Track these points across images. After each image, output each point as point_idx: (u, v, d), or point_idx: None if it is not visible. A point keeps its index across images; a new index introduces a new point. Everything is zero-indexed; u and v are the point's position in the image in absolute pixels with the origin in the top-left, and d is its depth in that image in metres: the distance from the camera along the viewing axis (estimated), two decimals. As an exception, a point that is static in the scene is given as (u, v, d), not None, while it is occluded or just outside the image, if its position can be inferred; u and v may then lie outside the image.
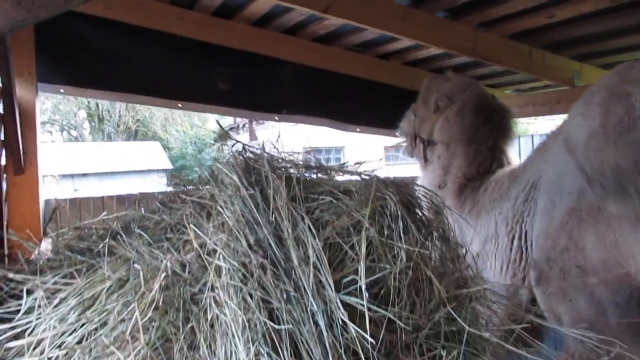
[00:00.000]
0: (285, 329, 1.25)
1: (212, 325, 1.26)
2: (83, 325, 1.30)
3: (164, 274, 1.28)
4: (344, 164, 1.88)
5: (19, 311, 1.42)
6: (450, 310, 1.49)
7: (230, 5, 3.70)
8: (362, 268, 1.38)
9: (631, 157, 1.74)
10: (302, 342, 1.26)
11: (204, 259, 1.35)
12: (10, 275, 1.48)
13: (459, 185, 3.12)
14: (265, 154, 1.71)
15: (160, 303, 1.25)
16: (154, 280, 1.27)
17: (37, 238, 1.82)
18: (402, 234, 1.54)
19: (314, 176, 1.77)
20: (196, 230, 1.40)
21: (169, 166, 23.31)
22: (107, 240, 1.47)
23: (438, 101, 3.28)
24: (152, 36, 3.67)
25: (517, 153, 5.49)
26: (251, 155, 1.73)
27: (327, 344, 1.26)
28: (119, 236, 1.54)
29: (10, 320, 1.40)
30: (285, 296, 1.30)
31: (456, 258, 1.77)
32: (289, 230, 1.41)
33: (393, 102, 4.23)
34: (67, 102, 26.58)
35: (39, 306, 1.38)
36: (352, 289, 1.37)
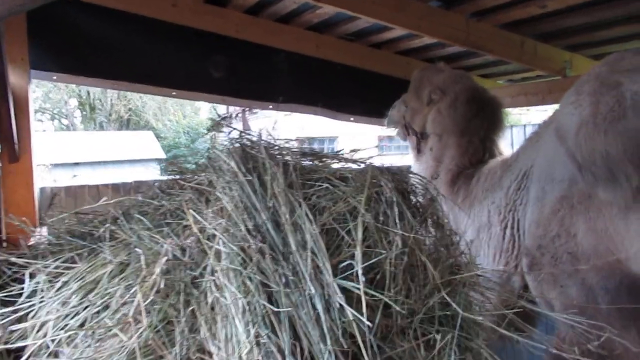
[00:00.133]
0: (284, 312, 1.27)
1: (212, 308, 1.29)
2: (85, 308, 1.32)
3: (165, 257, 1.30)
4: (339, 151, 1.90)
5: (21, 295, 1.43)
6: (445, 295, 1.52)
7: (224, -8, 3.69)
8: (358, 253, 1.40)
9: (621, 146, 1.77)
10: (301, 325, 1.29)
11: (204, 243, 1.37)
12: (13, 259, 1.49)
13: (451, 176, 3.17)
14: (262, 141, 1.72)
15: (162, 286, 1.27)
16: (155, 264, 1.29)
17: (34, 225, 1.83)
18: (397, 220, 1.56)
19: (310, 163, 1.79)
20: (195, 215, 1.42)
21: (162, 156, 23.19)
22: (108, 225, 1.49)
23: (432, 94, 3.31)
24: (146, 23, 3.64)
25: (509, 143, 5.55)
26: (248, 142, 1.75)
27: (324, 327, 1.29)
28: (119, 221, 1.56)
29: (13, 303, 1.42)
30: (283, 280, 1.33)
31: (450, 244, 1.80)
32: (287, 216, 1.43)
33: (386, 92, 4.24)
34: (57, 91, 26.30)
35: (42, 290, 1.40)
36: (348, 273, 1.40)
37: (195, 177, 1.67)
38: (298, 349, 1.25)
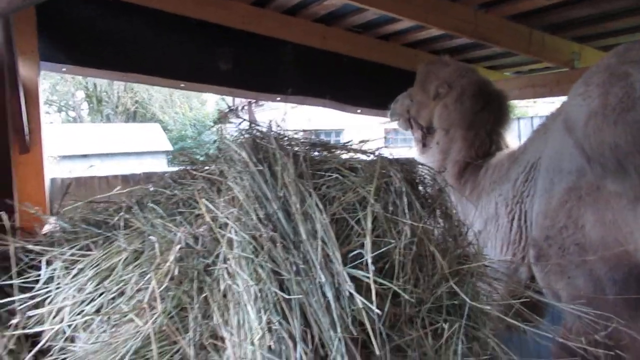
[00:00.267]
0: (295, 300, 1.29)
1: (224, 295, 1.31)
2: (101, 294, 1.35)
3: (179, 245, 1.32)
4: (348, 142, 1.91)
5: (38, 281, 1.47)
6: (453, 284, 1.54)
7: (232, -16, 3.70)
8: (368, 242, 1.42)
9: (630, 137, 1.77)
10: (311, 312, 1.31)
11: (216, 232, 1.39)
12: (30, 246, 1.52)
13: (459, 169, 3.18)
14: (272, 132, 1.74)
15: (175, 274, 1.30)
16: (169, 252, 1.31)
17: (41, 218, 1.86)
18: (406, 210, 1.58)
19: (320, 154, 1.81)
20: (208, 204, 1.44)
21: (169, 148, 23.28)
22: (122, 213, 1.51)
23: (438, 88, 3.32)
24: (154, 15, 3.66)
25: (516, 135, 5.54)
26: (258, 133, 1.76)
27: (334, 315, 1.31)
28: (133, 210, 1.58)
29: (30, 289, 1.45)
30: (294, 268, 1.35)
31: (458, 235, 1.82)
32: (297, 206, 1.45)
33: (393, 84, 4.24)
34: (64, 83, 26.39)
35: (58, 276, 1.43)
36: (358, 262, 1.42)
37: (207, 167, 1.69)
38: (309, 336, 1.27)
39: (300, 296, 1.30)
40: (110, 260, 1.41)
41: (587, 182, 2.04)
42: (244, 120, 1.83)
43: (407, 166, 1.78)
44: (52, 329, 1.35)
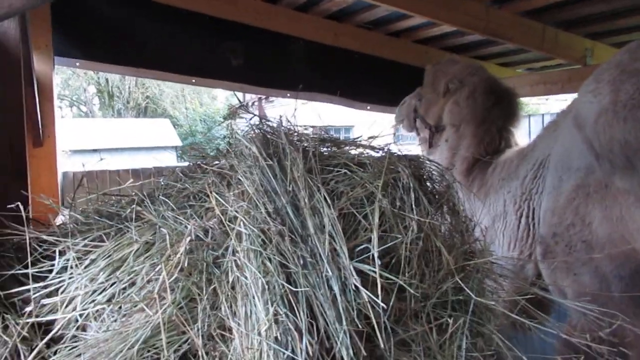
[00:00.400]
0: (301, 292, 1.31)
1: (233, 287, 1.33)
2: (112, 284, 1.39)
3: (189, 238, 1.35)
4: (357, 137, 1.93)
5: (51, 271, 1.50)
6: (458, 280, 1.54)
7: (243, -20, 3.72)
8: (374, 237, 1.43)
9: (640, 133, 1.77)
10: (317, 305, 1.33)
11: (226, 225, 1.41)
12: (44, 237, 1.56)
13: (467, 165, 3.18)
14: (282, 128, 1.76)
15: (185, 265, 1.32)
16: (179, 244, 1.34)
17: (56, 209, 1.91)
18: (413, 206, 1.59)
19: (329, 150, 1.82)
20: (218, 198, 1.46)
21: (179, 143, 23.41)
22: (133, 206, 1.55)
23: (449, 84, 3.33)
24: (166, 11, 3.70)
25: (527, 132, 5.51)
26: (268, 128, 1.78)
27: (340, 308, 1.33)
28: (144, 203, 1.61)
29: (43, 279, 1.49)
30: (301, 262, 1.37)
31: (465, 231, 1.82)
32: (306, 200, 1.47)
33: (404, 80, 4.24)
34: (76, 78, 26.61)
35: (71, 266, 1.46)
36: (364, 257, 1.43)
37: (217, 161, 1.72)
38: (315, 328, 1.29)
39: (307, 289, 1.31)
40: (121, 251, 1.44)
41: (595, 180, 2.04)
42: (255, 115, 1.85)
43: (415, 162, 1.79)
44: (65, 317, 1.39)
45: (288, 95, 4.40)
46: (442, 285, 1.55)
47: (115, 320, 1.38)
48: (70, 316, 1.40)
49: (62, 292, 1.44)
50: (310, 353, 1.24)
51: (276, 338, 1.24)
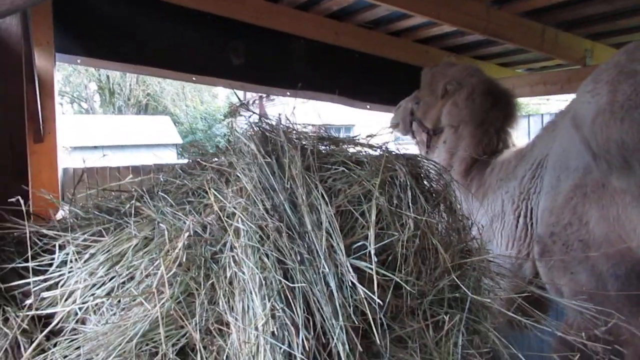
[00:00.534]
0: (298, 288, 1.33)
1: (230, 282, 1.35)
2: (111, 278, 1.40)
3: (187, 233, 1.36)
4: (355, 136, 1.94)
5: (51, 265, 1.52)
6: (455, 278, 1.56)
7: (244, -21, 3.73)
8: (371, 234, 1.45)
9: (637, 134, 1.78)
10: (314, 301, 1.34)
11: (224, 221, 1.43)
12: (44, 231, 1.58)
13: (465, 166, 3.20)
14: (281, 125, 1.77)
15: (184, 260, 1.34)
16: (178, 239, 1.36)
17: (56, 204, 1.92)
18: (410, 204, 1.60)
19: (327, 147, 1.84)
20: (216, 194, 1.48)
21: (179, 141, 23.42)
22: (133, 201, 1.56)
23: (447, 85, 3.35)
24: (168, 9, 3.71)
25: (526, 132, 5.51)
26: (267, 126, 1.80)
27: (337, 304, 1.34)
28: (143, 198, 1.63)
29: (44, 272, 1.51)
30: (299, 258, 1.38)
31: (462, 229, 1.84)
32: (304, 197, 1.48)
33: (404, 80, 4.26)
34: (77, 74, 26.62)
35: (70, 260, 1.48)
36: (361, 254, 1.45)
37: (216, 158, 1.73)
38: (311, 323, 1.31)
39: (304, 285, 1.33)
40: (121, 246, 1.46)
41: (592, 179, 2.05)
42: (254, 113, 1.87)
43: (412, 161, 1.80)
44: (64, 310, 1.41)
45: (288, 94, 4.41)
46: (439, 283, 1.57)
47: (114, 314, 1.39)
48: (70, 309, 1.42)
49: (61, 286, 1.45)
50: (307, 348, 1.26)
51: (273, 333, 1.25)
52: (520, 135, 3.36)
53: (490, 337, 1.60)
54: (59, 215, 1.88)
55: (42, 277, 1.49)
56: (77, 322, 1.43)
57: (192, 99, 27.25)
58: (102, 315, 1.41)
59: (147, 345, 1.31)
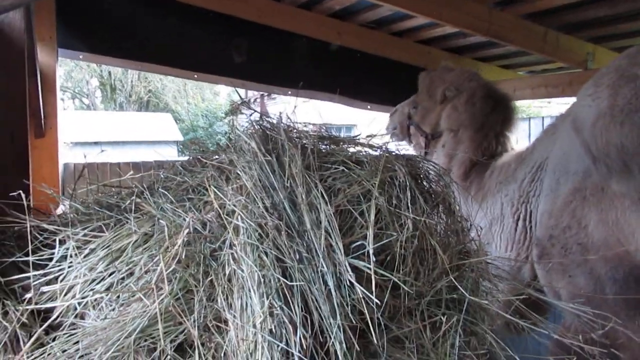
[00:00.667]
0: (297, 286, 1.33)
1: (229, 280, 1.35)
2: (111, 274, 1.41)
3: (187, 230, 1.37)
4: (356, 136, 1.94)
5: (51, 259, 1.52)
6: (453, 279, 1.56)
7: (247, -23, 3.73)
8: (370, 234, 1.45)
9: (637, 138, 1.78)
10: (312, 300, 1.35)
11: (224, 218, 1.43)
12: (44, 225, 1.58)
13: (464, 170, 3.21)
14: (282, 124, 1.78)
15: (183, 257, 1.34)
16: (177, 236, 1.36)
17: (57, 199, 1.93)
18: (409, 204, 1.61)
19: (327, 147, 1.84)
20: (216, 191, 1.48)
21: (180, 138, 23.42)
22: (133, 198, 1.57)
23: (446, 91, 3.36)
24: (171, 6, 3.72)
25: (527, 135, 5.52)
26: (268, 124, 1.80)
27: (335, 303, 1.34)
28: (144, 195, 1.63)
29: (44, 267, 1.51)
30: (297, 256, 1.39)
31: (460, 231, 1.84)
32: (303, 196, 1.48)
33: (405, 80, 4.26)
34: (79, 70, 26.61)
35: (70, 255, 1.48)
36: (360, 253, 1.45)
37: (217, 156, 1.74)
38: (309, 322, 1.31)
39: (302, 283, 1.33)
40: (120, 242, 1.46)
41: (592, 183, 2.05)
42: (255, 112, 1.87)
43: (412, 161, 1.80)
44: (64, 305, 1.41)
45: (290, 92, 4.41)
46: (437, 284, 1.57)
47: (113, 309, 1.40)
48: (69, 304, 1.42)
49: (61, 281, 1.46)
50: (304, 346, 1.26)
51: (271, 330, 1.26)
52: (521, 138, 3.37)
53: (487, 338, 1.60)
54: (59, 210, 1.88)
55: (41, 272, 1.49)
56: (76, 316, 1.44)
57: (193, 96, 27.24)
58: (101, 310, 1.42)
59: (145, 341, 1.32)
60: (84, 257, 1.47)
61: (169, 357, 1.31)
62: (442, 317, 1.52)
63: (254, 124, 1.76)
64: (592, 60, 4.22)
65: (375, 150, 1.83)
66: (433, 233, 1.64)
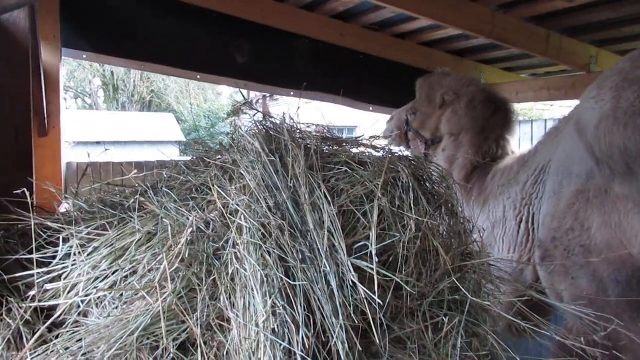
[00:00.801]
0: (299, 286, 1.33)
1: (232, 279, 1.36)
2: (114, 272, 1.41)
3: (190, 229, 1.37)
4: (359, 137, 1.95)
5: (55, 257, 1.53)
6: (455, 280, 1.56)
7: (251, -22, 3.74)
8: (373, 235, 1.45)
9: (640, 140, 1.79)
10: (315, 299, 1.35)
11: (227, 218, 1.44)
12: (48, 223, 1.59)
13: (465, 173, 3.22)
14: (285, 124, 1.78)
15: (186, 256, 1.35)
16: (181, 235, 1.36)
17: (61, 197, 1.94)
18: (412, 205, 1.61)
19: (331, 148, 1.84)
20: (220, 191, 1.48)
21: (182, 138, 23.47)
22: (137, 196, 1.57)
23: (445, 95, 3.36)
24: (174, 7, 3.73)
25: (529, 137, 5.52)
26: (271, 125, 1.81)
27: (337, 303, 1.35)
28: (147, 194, 1.64)
29: (47, 265, 1.52)
30: (300, 256, 1.39)
31: (463, 232, 1.84)
32: (306, 196, 1.49)
33: (407, 82, 4.26)
34: (82, 70, 26.70)
35: (74, 253, 1.49)
36: (362, 254, 1.45)
37: (220, 156, 1.74)
38: (311, 322, 1.31)
39: (305, 283, 1.33)
40: (124, 240, 1.47)
41: (595, 185, 2.05)
42: (259, 112, 1.88)
43: (415, 163, 1.81)
44: (67, 302, 1.42)
45: (292, 93, 4.42)
46: (439, 285, 1.57)
47: (117, 307, 1.40)
48: (73, 302, 1.43)
49: (65, 278, 1.47)
50: (307, 346, 1.26)
51: (273, 330, 1.26)
52: (524, 141, 3.38)
53: (489, 340, 1.60)
54: (63, 208, 1.89)
55: (45, 269, 1.50)
56: (79, 314, 1.44)
57: (196, 96, 27.31)
58: (104, 308, 1.42)
59: (148, 339, 1.32)
60: (88, 255, 1.48)
61: (171, 355, 1.31)
62: (444, 318, 1.52)
63: (258, 124, 1.76)
64: (595, 63, 4.23)
65: (379, 152, 1.84)
66: (436, 234, 1.64)
